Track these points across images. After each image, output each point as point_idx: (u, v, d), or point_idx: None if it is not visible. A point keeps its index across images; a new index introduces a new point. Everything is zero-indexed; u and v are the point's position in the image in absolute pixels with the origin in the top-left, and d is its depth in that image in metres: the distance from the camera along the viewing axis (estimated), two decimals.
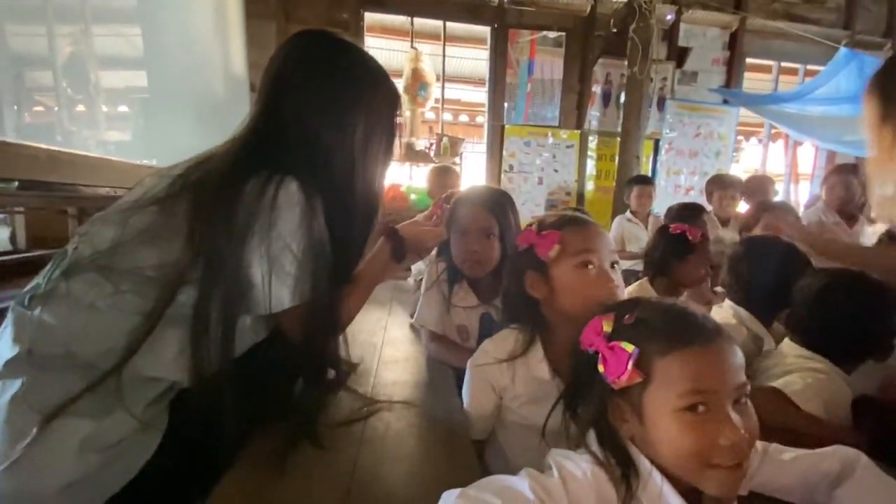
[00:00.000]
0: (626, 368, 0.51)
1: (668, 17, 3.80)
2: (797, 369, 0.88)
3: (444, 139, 3.60)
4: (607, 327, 0.56)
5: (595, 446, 0.55)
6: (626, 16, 3.40)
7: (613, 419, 0.55)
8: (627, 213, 2.85)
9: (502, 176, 3.88)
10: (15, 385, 0.57)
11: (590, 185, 4.00)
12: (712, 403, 0.49)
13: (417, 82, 3.53)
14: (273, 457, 0.69)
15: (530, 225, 0.83)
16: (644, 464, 0.52)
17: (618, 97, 3.84)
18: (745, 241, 1.37)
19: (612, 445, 0.54)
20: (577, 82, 3.92)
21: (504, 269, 1.00)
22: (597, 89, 3.89)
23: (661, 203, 3.09)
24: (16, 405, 0.57)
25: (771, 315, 1.16)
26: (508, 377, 0.81)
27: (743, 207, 2.62)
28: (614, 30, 3.66)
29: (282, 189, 0.68)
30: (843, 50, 3.26)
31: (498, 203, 1.16)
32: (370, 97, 0.82)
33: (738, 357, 0.52)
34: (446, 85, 4.03)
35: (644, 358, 0.52)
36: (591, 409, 0.57)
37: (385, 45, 4.21)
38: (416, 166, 3.81)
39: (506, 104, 3.88)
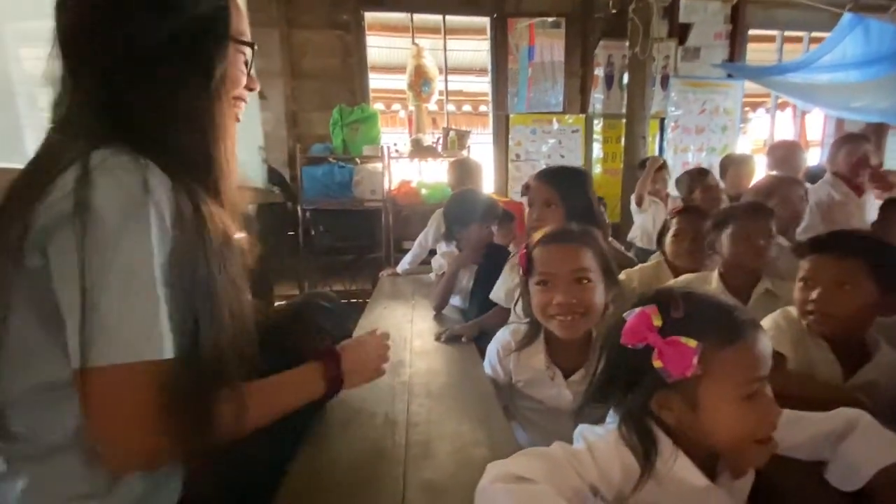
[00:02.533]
0: (691, 364, 0.52)
1: None
2: None
3: (451, 133, 3.64)
4: (657, 321, 0.55)
5: (619, 423, 0.59)
6: None
7: (658, 408, 0.57)
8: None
9: (510, 165, 3.92)
10: (25, 476, 0.53)
11: (597, 169, 4.02)
12: (761, 388, 0.55)
13: (420, 78, 3.56)
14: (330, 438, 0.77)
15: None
16: (666, 443, 0.57)
17: (621, 79, 3.84)
18: None
19: (638, 425, 0.57)
20: (579, 66, 3.92)
21: None
22: (599, 72, 3.88)
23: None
24: (27, 496, 0.53)
25: None
26: (514, 363, 0.98)
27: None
28: (613, 11, 3.63)
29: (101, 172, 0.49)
30: (847, 15, 3.22)
31: (559, 176, 1.34)
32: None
33: None
34: (449, 77, 4.04)
35: (702, 352, 0.53)
36: (636, 399, 0.57)
37: (386, 43, 4.24)
38: (424, 161, 3.87)
39: (508, 91, 3.90)
